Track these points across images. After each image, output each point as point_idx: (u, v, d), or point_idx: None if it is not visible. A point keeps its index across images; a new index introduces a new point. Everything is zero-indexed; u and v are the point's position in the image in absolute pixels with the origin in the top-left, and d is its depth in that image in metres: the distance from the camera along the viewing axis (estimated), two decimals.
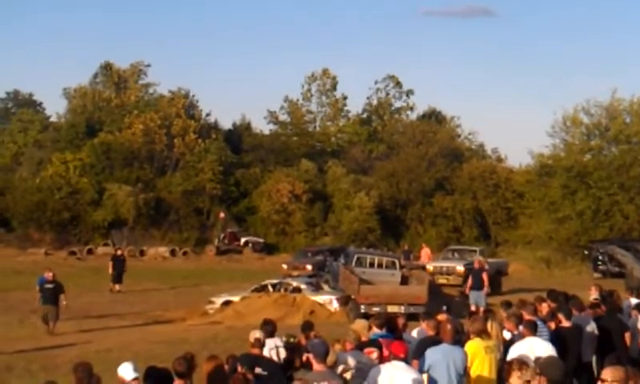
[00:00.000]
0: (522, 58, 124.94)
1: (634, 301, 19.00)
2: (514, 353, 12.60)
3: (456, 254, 46.96)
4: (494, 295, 33.89)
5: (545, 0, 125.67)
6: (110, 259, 44.70)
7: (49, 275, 30.53)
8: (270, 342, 13.81)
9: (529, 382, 9.56)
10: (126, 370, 10.83)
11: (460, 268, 41.49)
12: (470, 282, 33.00)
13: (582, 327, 15.20)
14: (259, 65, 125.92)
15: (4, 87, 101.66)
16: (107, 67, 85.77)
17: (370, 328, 13.67)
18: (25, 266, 51.51)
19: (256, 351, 12.80)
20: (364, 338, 13.23)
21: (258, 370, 12.05)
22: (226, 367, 11.85)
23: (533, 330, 13.35)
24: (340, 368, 11.86)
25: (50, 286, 29.95)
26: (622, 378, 8.16)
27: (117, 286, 42.17)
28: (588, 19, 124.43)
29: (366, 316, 22.44)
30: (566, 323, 14.83)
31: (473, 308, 30.00)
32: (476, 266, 34.20)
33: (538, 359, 12.05)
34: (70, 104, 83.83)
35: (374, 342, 12.79)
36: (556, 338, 14.18)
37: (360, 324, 14.09)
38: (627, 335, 16.01)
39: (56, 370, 20.68)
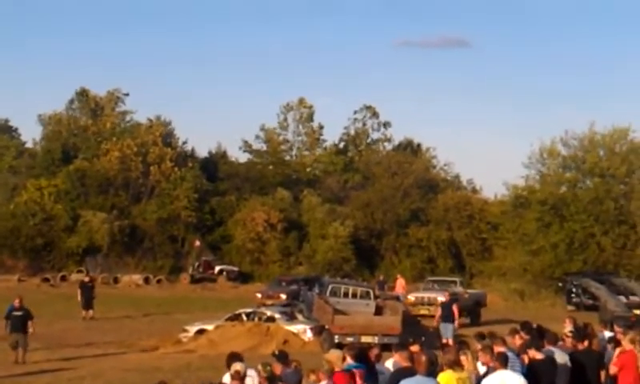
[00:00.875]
0: (498, 89, 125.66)
1: (607, 334, 19.07)
2: None
3: (436, 285, 47.11)
4: (472, 326, 34.00)
5: (519, 32, 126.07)
6: (78, 286, 44.53)
7: (17, 302, 29.95)
8: None
9: None
10: None
11: (441, 298, 41.57)
12: (439, 313, 33.13)
13: (555, 359, 15.22)
14: (236, 94, 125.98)
15: None
16: (83, 93, 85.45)
17: (344, 359, 13.65)
18: None
19: (235, 383, 12.79)
20: (338, 369, 13.21)
21: None
22: None
23: (504, 362, 13.33)
24: None
25: (18, 313, 29.37)
26: None
27: (90, 312, 41.92)
28: (561, 51, 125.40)
29: (340, 346, 22.43)
30: (538, 356, 14.85)
31: (444, 340, 30.12)
32: (446, 298, 34.43)
33: None
34: (46, 130, 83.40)
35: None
36: (529, 370, 14.20)
37: (334, 354, 14.06)
38: (602, 373, 16.00)
39: None
